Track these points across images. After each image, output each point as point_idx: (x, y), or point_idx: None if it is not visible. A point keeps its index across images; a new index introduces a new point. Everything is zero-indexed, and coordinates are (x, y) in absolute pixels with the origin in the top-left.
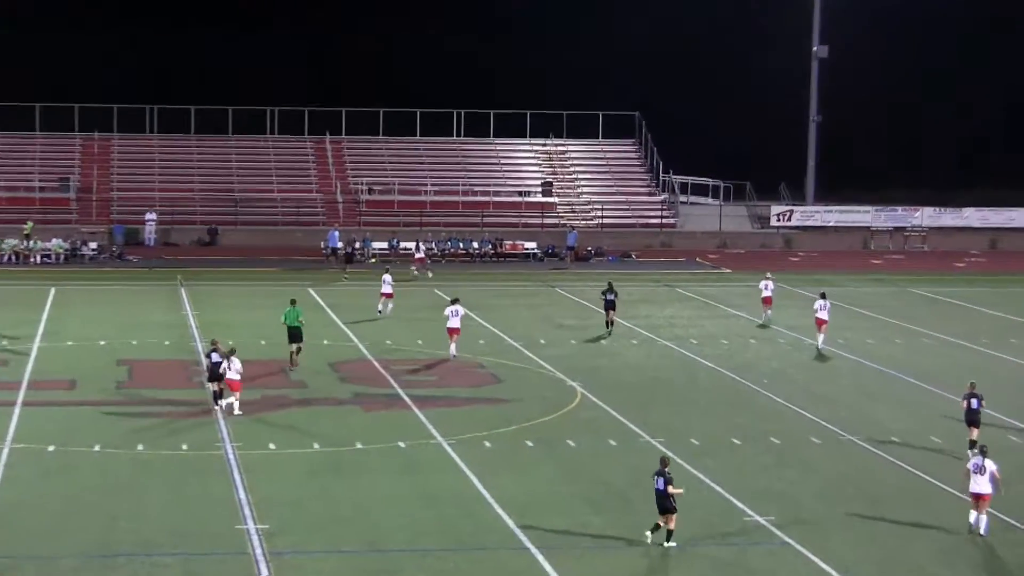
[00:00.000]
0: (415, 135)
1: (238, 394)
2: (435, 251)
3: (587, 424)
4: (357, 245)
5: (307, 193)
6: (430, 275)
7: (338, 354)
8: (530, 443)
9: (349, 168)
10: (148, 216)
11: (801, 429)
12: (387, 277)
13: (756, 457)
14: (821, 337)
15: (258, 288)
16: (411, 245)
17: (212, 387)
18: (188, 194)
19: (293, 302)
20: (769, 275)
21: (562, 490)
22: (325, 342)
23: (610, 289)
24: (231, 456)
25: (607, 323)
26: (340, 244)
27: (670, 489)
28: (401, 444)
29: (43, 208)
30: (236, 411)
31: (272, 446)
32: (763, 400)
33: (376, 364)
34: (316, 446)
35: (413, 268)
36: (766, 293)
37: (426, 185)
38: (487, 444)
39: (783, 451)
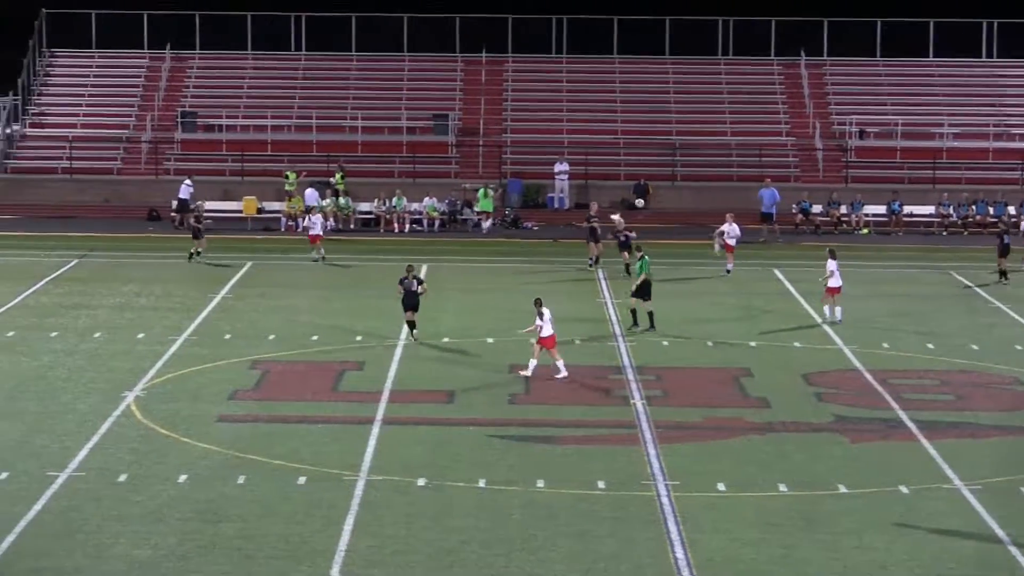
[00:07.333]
0: (926, 55)
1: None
2: (953, 217)
3: None
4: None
5: (774, 136)
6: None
7: (814, 361)
8: None
9: (832, 101)
10: (558, 168)
11: None
12: None
13: None
14: None
15: (697, 267)
16: (926, 210)
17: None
18: (609, 136)
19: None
20: None
21: None
22: (796, 344)
23: (1007, 230)
24: (664, 499)
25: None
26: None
27: None
28: (903, 489)
29: (411, 156)
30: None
31: (721, 487)
32: None
33: (868, 376)
34: (782, 488)
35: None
36: None
37: (943, 125)
38: None
39: None
